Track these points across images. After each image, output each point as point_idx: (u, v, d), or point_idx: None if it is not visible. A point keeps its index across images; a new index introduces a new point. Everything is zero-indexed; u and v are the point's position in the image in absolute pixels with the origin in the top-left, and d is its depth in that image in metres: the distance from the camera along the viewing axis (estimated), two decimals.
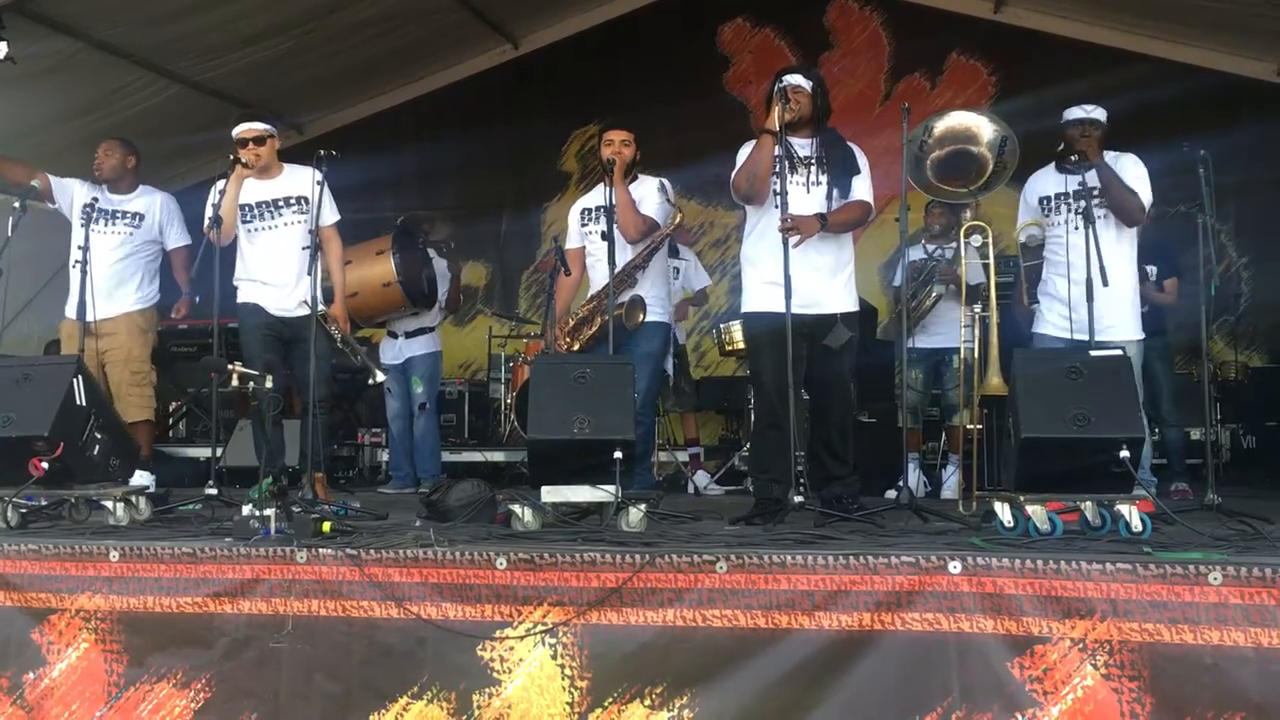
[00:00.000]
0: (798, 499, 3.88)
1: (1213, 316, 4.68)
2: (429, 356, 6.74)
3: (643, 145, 5.14)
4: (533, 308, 9.00)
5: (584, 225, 5.20)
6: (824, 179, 4.36)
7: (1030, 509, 3.45)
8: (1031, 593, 2.87)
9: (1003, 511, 3.54)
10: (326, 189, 4.82)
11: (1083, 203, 4.45)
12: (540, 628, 3.09)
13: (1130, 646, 2.79)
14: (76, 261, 5.05)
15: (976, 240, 4.93)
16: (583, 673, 3.06)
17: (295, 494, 4.23)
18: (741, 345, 5.90)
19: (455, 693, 3.11)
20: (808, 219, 4.22)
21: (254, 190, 5.05)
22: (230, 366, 4.34)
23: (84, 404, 4.08)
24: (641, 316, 4.96)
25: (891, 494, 5.38)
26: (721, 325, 6.78)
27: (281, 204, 5.05)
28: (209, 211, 4.76)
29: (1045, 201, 4.78)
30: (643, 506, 3.75)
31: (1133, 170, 4.64)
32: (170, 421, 8.05)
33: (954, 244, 5.96)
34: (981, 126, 4.65)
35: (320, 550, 3.29)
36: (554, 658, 3.08)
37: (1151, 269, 6.00)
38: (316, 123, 9.16)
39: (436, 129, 9.11)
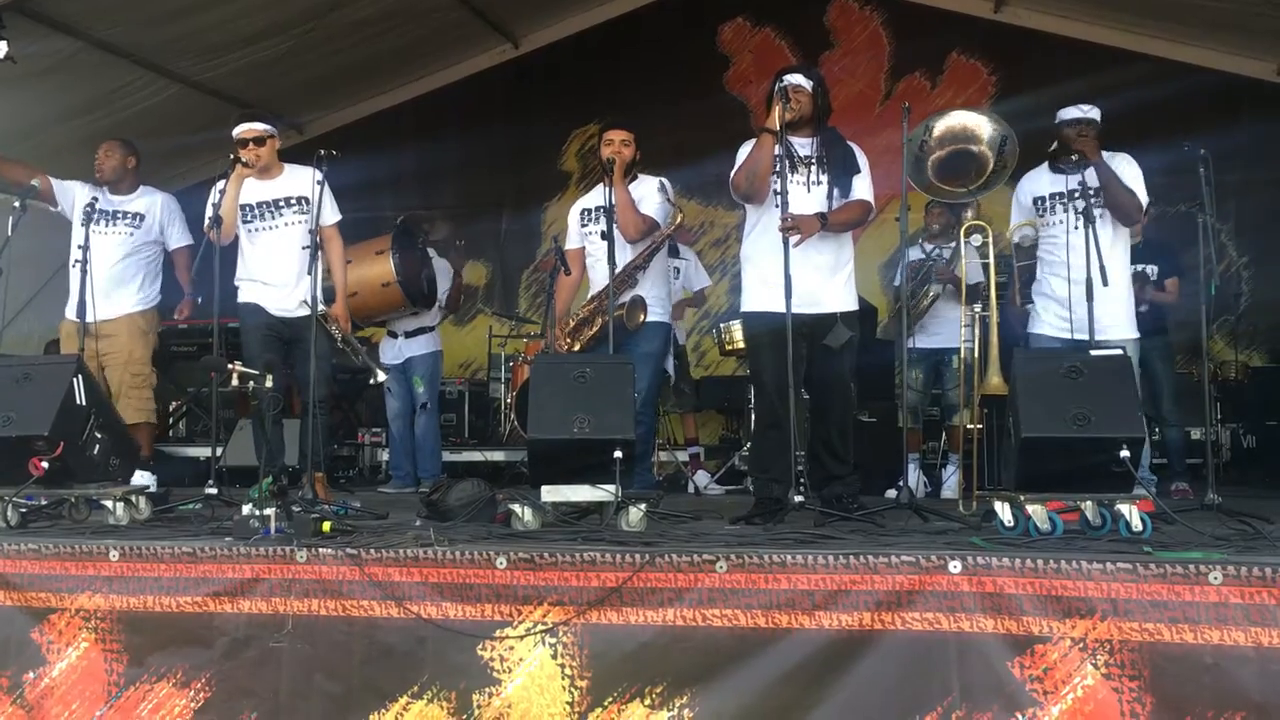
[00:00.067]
0: (798, 498, 3.88)
1: (1213, 316, 4.68)
2: (429, 356, 6.74)
3: (643, 145, 5.14)
4: (533, 307, 9.00)
5: (584, 226, 5.20)
6: (824, 178, 4.36)
7: (1030, 508, 3.45)
8: (1032, 592, 2.87)
9: (1003, 511, 3.54)
10: (327, 188, 4.82)
11: (1081, 202, 4.44)
12: (540, 627, 3.09)
13: (1130, 646, 2.79)
14: (76, 261, 5.05)
15: (976, 240, 4.94)
16: (583, 672, 3.06)
17: (295, 493, 4.24)
18: (741, 345, 5.90)
19: (455, 692, 3.12)
20: (808, 218, 4.22)
21: (254, 190, 5.05)
22: (230, 366, 4.34)
23: (84, 403, 4.08)
24: (642, 317, 4.96)
25: (892, 493, 5.38)
26: (721, 325, 6.78)
27: (282, 204, 5.05)
28: (209, 211, 4.76)
29: (1040, 201, 4.76)
30: (643, 506, 3.75)
31: (1128, 170, 4.64)
32: (170, 421, 8.05)
33: (952, 244, 5.98)
34: (981, 125, 4.65)
35: (320, 550, 3.29)
36: (554, 657, 3.08)
37: (1152, 268, 6.01)
38: (316, 122, 9.16)
39: (436, 128, 9.11)
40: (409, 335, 6.71)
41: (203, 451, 5.81)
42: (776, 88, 4.26)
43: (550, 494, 3.78)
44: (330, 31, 7.49)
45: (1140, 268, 6.00)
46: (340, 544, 3.34)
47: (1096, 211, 4.47)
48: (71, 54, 6.67)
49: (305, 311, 4.60)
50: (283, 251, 5.00)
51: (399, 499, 5.94)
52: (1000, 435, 4.09)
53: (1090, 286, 4.23)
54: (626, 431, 3.76)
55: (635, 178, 5.09)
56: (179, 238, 5.57)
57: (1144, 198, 4.68)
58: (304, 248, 4.72)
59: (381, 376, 5.59)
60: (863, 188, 4.42)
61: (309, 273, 4.45)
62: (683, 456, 7.03)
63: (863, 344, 4.65)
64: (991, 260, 4.80)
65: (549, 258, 5.93)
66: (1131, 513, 3.43)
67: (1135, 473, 3.46)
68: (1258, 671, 2.71)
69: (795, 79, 4.36)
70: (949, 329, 5.86)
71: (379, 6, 7.43)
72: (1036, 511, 3.45)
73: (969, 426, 4.79)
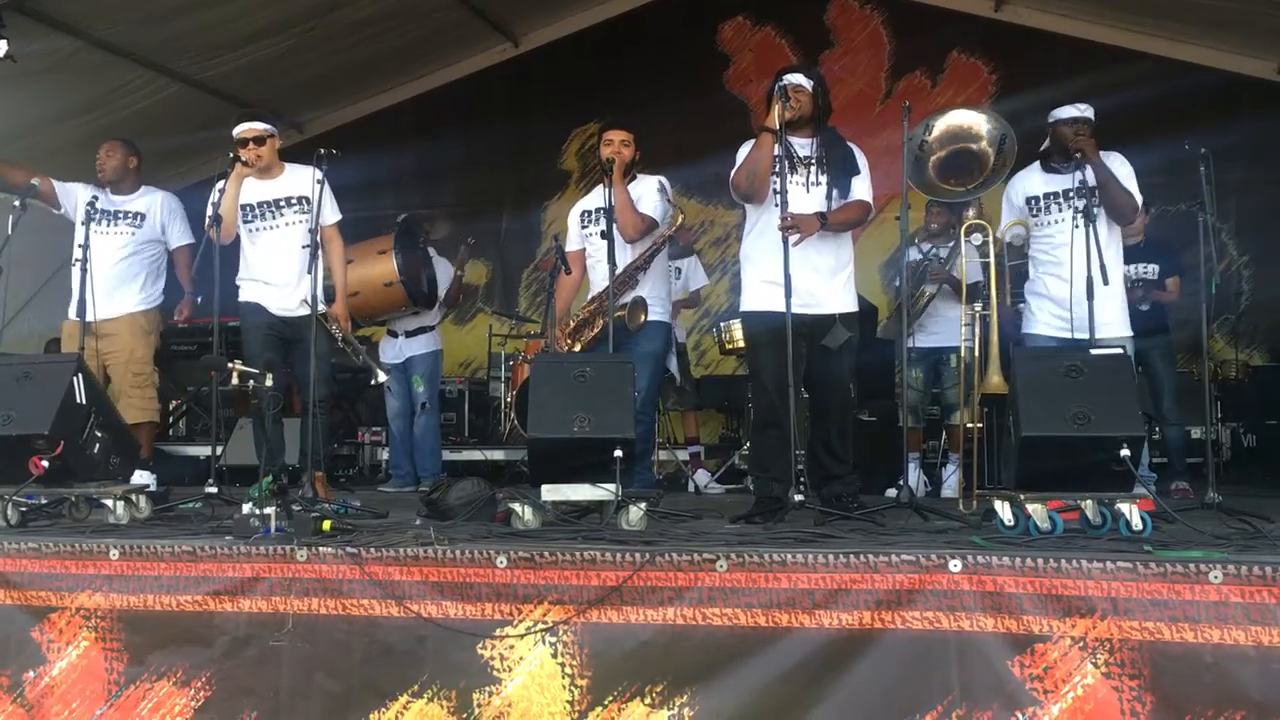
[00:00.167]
0: (798, 498, 3.88)
1: (1213, 315, 4.68)
2: (429, 355, 6.75)
3: (643, 144, 5.14)
4: (533, 306, 9.00)
5: (584, 227, 5.19)
6: (824, 179, 4.36)
7: (1030, 507, 3.45)
8: (1032, 591, 2.87)
9: (1003, 510, 3.54)
10: (327, 188, 4.82)
11: (1082, 201, 4.45)
12: (540, 626, 3.09)
13: (1131, 645, 2.79)
14: (77, 260, 5.05)
15: (977, 239, 4.93)
16: (583, 671, 3.06)
17: (295, 492, 4.24)
18: (741, 344, 5.90)
19: (455, 691, 3.11)
20: (808, 218, 4.22)
21: (255, 190, 5.05)
22: (230, 365, 4.34)
23: (84, 402, 4.08)
24: (644, 317, 4.96)
25: (892, 493, 5.38)
26: (722, 324, 6.79)
27: (283, 204, 5.05)
28: (209, 210, 4.76)
29: (1034, 201, 4.74)
30: (643, 505, 3.75)
31: (1122, 169, 4.64)
32: (170, 420, 8.05)
33: (950, 243, 5.99)
34: (980, 123, 4.65)
35: (320, 549, 3.29)
36: (554, 656, 3.08)
37: (1153, 267, 6.01)
38: (317, 121, 9.16)
39: (437, 127, 9.12)
40: (409, 334, 6.71)
41: (203, 450, 5.81)
42: (776, 87, 4.26)
43: (550, 493, 3.78)
44: (330, 31, 7.49)
45: (1140, 267, 6.02)
46: (340, 543, 3.34)
47: (1095, 210, 4.47)
48: (71, 53, 6.67)
49: (306, 311, 4.60)
50: (284, 251, 5.00)
51: (399, 498, 5.93)
52: (1000, 434, 4.09)
53: (1090, 285, 4.24)
54: (627, 430, 3.75)
55: (635, 177, 5.09)
56: (180, 237, 5.58)
57: (1138, 197, 4.68)
58: (304, 247, 4.72)
59: (382, 377, 5.59)
60: (862, 188, 4.42)
61: (309, 272, 4.45)
62: (683, 455, 7.03)
63: (863, 343, 4.65)
64: (992, 259, 4.79)
65: (549, 257, 5.93)
66: (1132, 512, 3.43)
67: (1135, 472, 3.46)
68: (1258, 670, 2.71)
69: (795, 78, 4.36)
70: (948, 328, 5.87)
71: (379, 6, 7.44)
72: (1037, 510, 3.45)
73: (969, 426, 4.79)
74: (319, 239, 4.60)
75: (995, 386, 4.57)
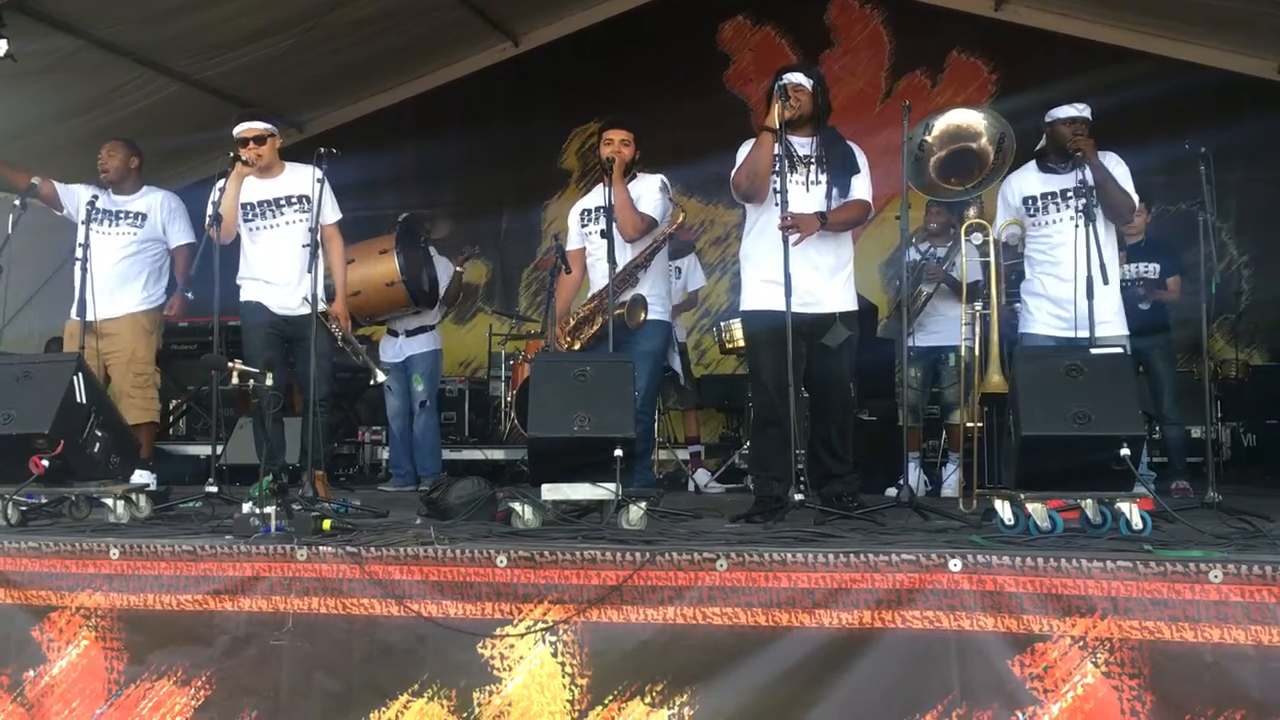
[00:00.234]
0: (798, 497, 3.88)
1: (1213, 314, 4.68)
2: (429, 354, 6.75)
3: (643, 143, 5.14)
4: (533, 305, 9.00)
5: (584, 226, 5.19)
6: (823, 178, 4.36)
7: (1031, 507, 3.45)
8: (1032, 590, 2.87)
9: (1003, 509, 3.54)
10: (327, 187, 4.82)
11: (1081, 201, 4.45)
12: (540, 625, 3.09)
13: (1131, 644, 2.79)
14: (78, 259, 5.05)
15: (977, 239, 4.93)
16: (583, 670, 3.06)
17: (295, 492, 4.23)
18: (741, 343, 5.90)
19: (456, 690, 3.11)
20: (808, 217, 4.22)
21: (255, 189, 5.05)
22: (230, 364, 4.34)
23: (84, 402, 4.08)
24: (643, 315, 4.96)
25: (892, 492, 5.38)
26: (722, 323, 6.78)
27: (283, 203, 5.05)
28: (210, 210, 4.76)
29: (1031, 201, 4.73)
30: (643, 504, 3.75)
31: (1118, 169, 4.64)
32: (170, 419, 8.05)
33: (949, 243, 5.99)
34: (980, 122, 4.65)
35: (320, 548, 3.29)
36: (554, 655, 3.08)
37: (1154, 266, 6.01)
38: (317, 120, 9.16)
39: (437, 126, 9.11)
40: (409, 334, 6.72)
41: (203, 449, 5.82)
42: (776, 86, 4.26)
43: (550, 492, 3.78)
44: (330, 30, 7.49)
45: (1141, 266, 6.02)
46: (340, 542, 3.34)
47: (1094, 210, 4.47)
48: (71, 52, 6.67)
49: (307, 309, 4.60)
50: (284, 250, 5.00)
51: (399, 497, 5.93)
52: (1000, 434, 4.09)
53: (1090, 284, 4.24)
54: (627, 430, 3.75)
55: (635, 177, 5.09)
56: (179, 235, 5.56)
57: (1135, 197, 4.69)
58: (304, 246, 4.72)
59: (381, 377, 5.59)
60: (862, 187, 4.42)
61: (309, 271, 4.45)
62: (683, 455, 7.03)
63: (863, 342, 4.65)
64: (992, 259, 4.79)
65: (549, 256, 5.93)
66: (1132, 511, 3.43)
67: (1137, 472, 3.46)
68: (1258, 670, 2.71)
69: (795, 78, 4.36)
70: (947, 327, 5.87)
71: (379, 5, 7.44)
72: (1037, 510, 3.45)
73: (969, 425, 4.79)
74: (319, 238, 4.60)
75: (995, 386, 4.57)
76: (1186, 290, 5.92)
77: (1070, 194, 4.61)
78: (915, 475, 5.76)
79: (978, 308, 4.83)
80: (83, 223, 5.00)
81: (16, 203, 4.82)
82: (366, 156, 7.51)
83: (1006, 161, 4.62)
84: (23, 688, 3.38)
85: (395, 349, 6.73)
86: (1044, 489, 3.49)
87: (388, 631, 3.19)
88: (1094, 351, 3.81)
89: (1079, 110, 4.67)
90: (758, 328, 4.40)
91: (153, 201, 5.52)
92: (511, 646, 3.11)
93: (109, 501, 4.05)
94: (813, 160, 4.38)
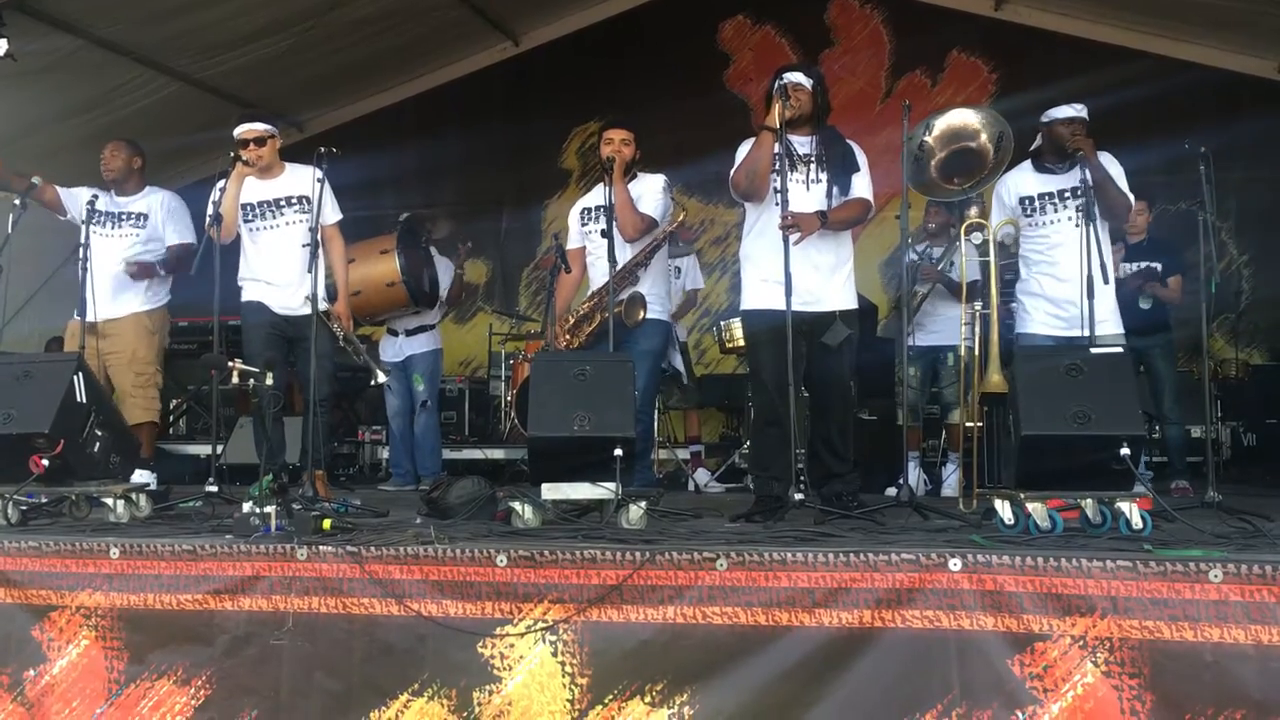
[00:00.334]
0: (798, 496, 3.88)
1: (1213, 314, 4.67)
2: (429, 354, 6.75)
3: (643, 143, 5.14)
4: (533, 305, 9.00)
5: (584, 225, 5.20)
6: (823, 177, 4.36)
7: (1030, 506, 3.45)
8: (1032, 590, 2.87)
9: (1003, 509, 3.54)
10: (328, 187, 4.82)
11: (1081, 200, 4.45)
12: (540, 625, 3.09)
13: (1130, 644, 2.79)
14: (79, 259, 5.05)
15: (978, 238, 4.93)
16: (583, 670, 3.06)
17: (295, 491, 4.23)
18: (741, 343, 5.90)
19: (456, 690, 3.12)
20: (808, 216, 4.22)
21: (256, 190, 5.05)
22: (230, 364, 4.34)
23: (84, 401, 4.08)
24: (642, 314, 4.96)
25: (892, 491, 5.38)
26: (722, 322, 6.78)
27: (283, 203, 5.05)
28: (210, 210, 4.76)
29: (1027, 201, 4.72)
30: (643, 504, 3.75)
31: (1113, 169, 4.65)
32: (171, 419, 8.05)
33: (946, 244, 5.99)
34: (979, 121, 4.65)
35: (321, 547, 3.29)
36: (554, 655, 3.08)
37: (1156, 266, 6.01)
38: (317, 120, 9.16)
39: (437, 126, 9.12)
40: (409, 333, 6.72)
41: (203, 449, 5.82)
42: (776, 85, 4.26)
43: (550, 491, 3.78)
44: (330, 30, 7.49)
45: (1142, 265, 6.02)
46: (340, 542, 3.34)
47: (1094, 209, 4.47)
48: (71, 52, 6.67)
49: (309, 309, 4.60)
50: (285, 251, 5.00)
51: (399, 497, 5.93)
52: (1000, 433, 4.09)
53: (1090, 284, 4.24)
54: (627, 429, 3.75)
55: (635, 176, 5.09)
56: (175, 234, 5.50)
57: (1130, 196, 4.70)
58: (304, 246, 4.72)
59: (382, 378, 5.59)
60: (862, 186, 4.42)
61: (310, 271, 4.45)
62: (683, 454, 7.03)
63: (863, 342, 4.65)
64: (992, 258, 4.79)
65: (549, 255, 5.92)
66: (1132, 510, 3.43)
67: (1136, 471, 3.46)
68: (1258, 669, 2.71)
69: (795, 77, 4.36)
70: (946, 327, 5.88)
71: (379, 5, 7.44)
72: (1036, 509, 3.45)
73: (969, 425, 4.79)
74: (319, 238, 4.60)
75: (995, 385, 4.57)
76: (1187, 290, 5.92)
77: (1068, 194, 4.61)
78: (915, 475, 5.76)
79: (977, 307, 4.83)
80: (82, 222, 5.01)
81: (16, 202, 4.82)
82: (366, 156, 7.51)
83: (1005, 160, 4.62)
84: (23, 687, 3.38)
85: (395, 348, 6.73)
86: (1044, 488, 3.49)
87: (388, 631, 3.19)
88: (1094, 351, 3.81)
89: (1077, 110, 4.67)
90: (758, 327, 4.40)
91: (154, 202, 5.52)
92: (511, 646, 3.11)
93: (109, 501, 4.05)
94: (812, 159, 4.38)
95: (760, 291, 4.37)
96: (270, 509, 3.52)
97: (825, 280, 4.35)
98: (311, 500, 4.18)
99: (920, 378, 6.06)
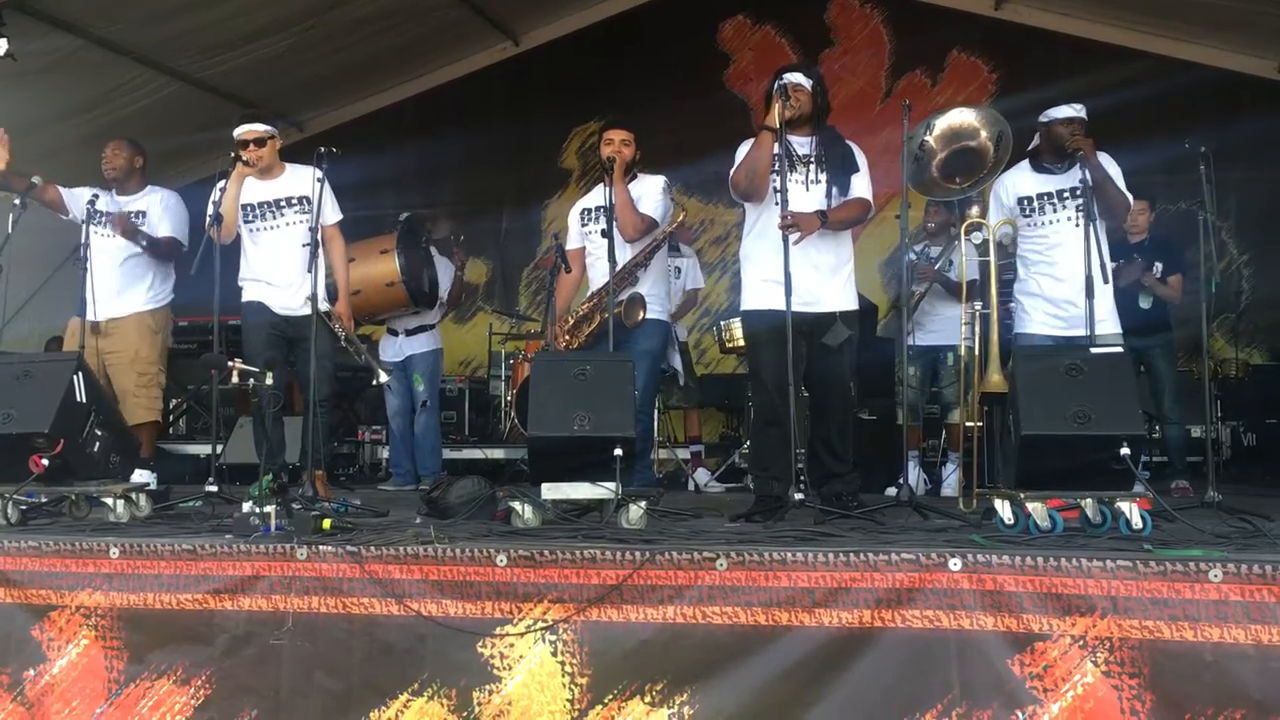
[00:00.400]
0: (798, 496, 3.88)
1: (1213, 314, 4.67)
2: (429, 354, 6.75)
3: (643, 143, 5.14)
4: (533, 305, 9.00)
5: (584, 225, 5.20)
6: (823, 177, 4.36)
7: (1030, 506, 3.45)
8: (1032, 590, 2.87)
9: (1003, 509, 3.54)
10: (328, 187, 4.82)
11: (1080, 200, 4.46)
12: (540, 625, 3.09)
13: (1130, 643, 2.79)
14: (80, 259, 5.05)
15: (978, 238, 4.93)
16: (583, 669, 3.06)
17: (295, 491, 4.23)
18: (741, 343, 5.89)
19: (456, 690, 3.12)
20: (808, 216, 4.22)
21: (256, 190, 5.05)
22: (230, 363, 4.34)
23: (84, 401, 4.08)
24: (641, 314, 4.97)
25: (892, 491, 5.37)
26: (722, 322, 6.78)
27: (284, 204, 5.05)
28: (210, 210, 4.76)
29: (1026, 201, 4.72)
30: (643, 503, 3.76)
31: (1111, 169, 4.65)
32: (170, 418, 8.05)
33: (945, 244, 5.98)
34: (978, 119, 4.65)
35: (320, 547, 3.29)
36: (554, 654, 3.08)
37: (1158, 266, 6.01)
38: (317, 120, 9.16)
39: (437, 126, 9.11)
40: (409, 333, 6.71)
41: (203, 449, 5.82)
42: (776, 86, 4.26)
43: (550, 491, 3.78)
44: (330, 29, 7.48)
45: (1135, 258, 6.02)
46: (340, 541, 3.34)
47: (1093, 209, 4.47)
48: (71, 51, 6.67)
49: (309, 309, 4.60)
50: (285, 251, 5.00)
51: (399, 497, 5.93)
52: (1000, 433, 4.09)
53: (1090, 284, 4.24)
54: (627, 429, 3.76)
55: (635, 177, 5.09)
56: (168, 228, 5.45)
57: (1129, 196, 4.70)
58: (304, 245, 4.72)
59: (384, 378, 5.59)
60: (861, 186, 4.42)
61: (309, 270, 4.45)
62: (683, 454, 7.03)
63: (862, 341, 4.65)
64: (992, 258, 4.79)
65: (549, 255, 5.92)
66: (1132, 510, 3.42)
67: (1136, 470, 3.46)
68: (1258, 669, 2.71)
69: (795, 77, 4.36)
70: (946, 326, 5.87)
71: (378, 4, 7.43)
72: (1036, 509, 3.45)
73: (969, 424, 4.79)
74: (320, 238, 4.60)
75: (995, 385, 4.56)
76: (1187, 290, 5.92)
77: (1067, 194, 4.61)
78: (915, 474, 5.76)
79: (977, 307, 4.83)
80: (83, 222, 5.01)
81: (16, 202, 4.81)
82: (366, 156, 7.51)
83: (1005, 158, 4.62)
84: (23, 687, 3.38)
85: (395, 348, 6.73)
86: (1044, 488, 3.49)
87: (388, 631, 3.19)
88: (1094, 351, 3.81)
89: (1076, 111, 4.68)
90: (758, 327, 4.40)
91: (153, 200, 5.52)
92: (511, 646, 3.11)
93: (109, 501, 4.05)
94: (812, 159, 4.38)
95: (760, 292, 4.37)
96: (270, 509, 3.52)
97: (825, 281, 4.36)
98: (311, 500, 4.18)
99: (920, 377, 6.06)
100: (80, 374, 4.09)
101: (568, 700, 3.06)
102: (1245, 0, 6.94)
